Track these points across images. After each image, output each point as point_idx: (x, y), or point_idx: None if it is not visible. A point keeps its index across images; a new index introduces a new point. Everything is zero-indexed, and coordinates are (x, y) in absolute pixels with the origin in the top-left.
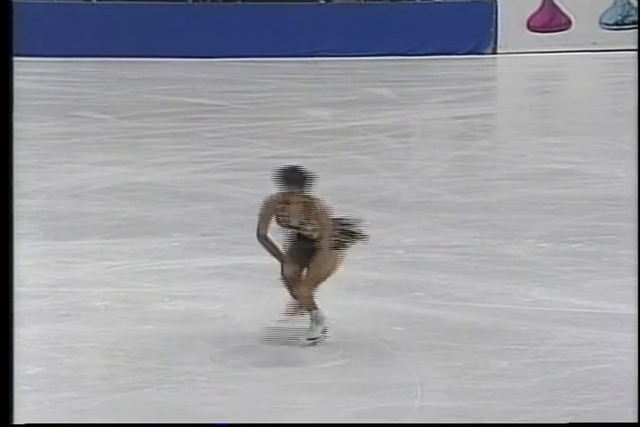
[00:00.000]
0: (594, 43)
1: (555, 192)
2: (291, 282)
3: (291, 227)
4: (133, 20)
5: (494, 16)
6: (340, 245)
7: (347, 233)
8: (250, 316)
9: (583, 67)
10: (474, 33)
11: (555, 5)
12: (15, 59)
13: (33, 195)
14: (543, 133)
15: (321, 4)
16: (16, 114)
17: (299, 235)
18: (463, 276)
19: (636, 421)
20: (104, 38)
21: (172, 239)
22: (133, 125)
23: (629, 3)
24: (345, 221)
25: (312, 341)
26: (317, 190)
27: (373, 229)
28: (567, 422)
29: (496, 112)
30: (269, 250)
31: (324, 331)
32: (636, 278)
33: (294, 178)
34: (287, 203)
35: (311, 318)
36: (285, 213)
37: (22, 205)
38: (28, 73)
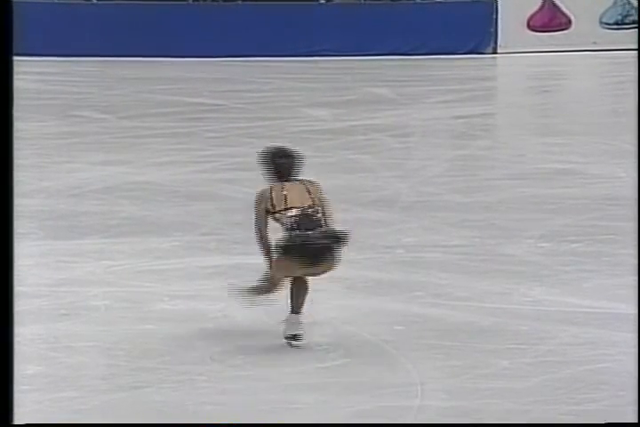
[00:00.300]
0: (594, 42)
1: (555, 192)
2: (275, 288)
3: (293, 208)
4: (133, 20)
5: (494, 16)
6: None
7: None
8: (250, 315)
9: (583, 66)
10: (474, 32)
11: (555, 5)
12: (15, 58)
13: (33, 194)
14: (543, 133)
15: (321, 4)
16: (16, 113)
17: (303, 215)
18: (463, 275)
19: (636, 421)
20: (104, 38)
21: (172, 239)
22: (133, 125)
23: (629, 2)
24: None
25: (292, 338)
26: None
27: (373, 228)
28: (567, 421)
29: (496, 112)
30: (264, 248)
31: (296, 338)
32: (637, 278)
33: (285, 165)
34: (282, 189)
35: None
36: (283, 197)
37: (22, 204)
38: (28, 72)
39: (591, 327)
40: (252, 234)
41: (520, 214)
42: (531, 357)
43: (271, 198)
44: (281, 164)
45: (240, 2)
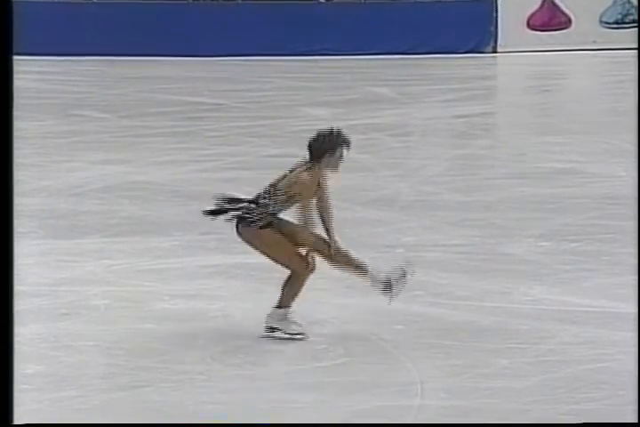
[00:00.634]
0: (594, 41)
1: (555, 191)
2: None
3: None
4: (134, 19)
5: (494, 15)
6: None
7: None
8: (250, 315)
9: (583, 65)
10: (474, 32)
11: (555, 4)
12: (15, 57)
13: (33, 193)
14: (543, 132)
15: (321, 3)
16: (16, 113)
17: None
18: (463, 274)
19: (635, 420)
20: (104, 37)
21: (172, 238)
22: (133, 124)
23: (629, 1)
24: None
25: (270, 330)
26: None
27: (373, 227)
28: (567, 421)
29: (496, 111)
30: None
31: (273, 330)
32: (636, 277)
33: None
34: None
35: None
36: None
37: (22, 203)
38: (28, 72)
39: (591, 326)
40: None
41: (520, 214)
42: (531, 356)
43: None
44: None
45: (240, 1)
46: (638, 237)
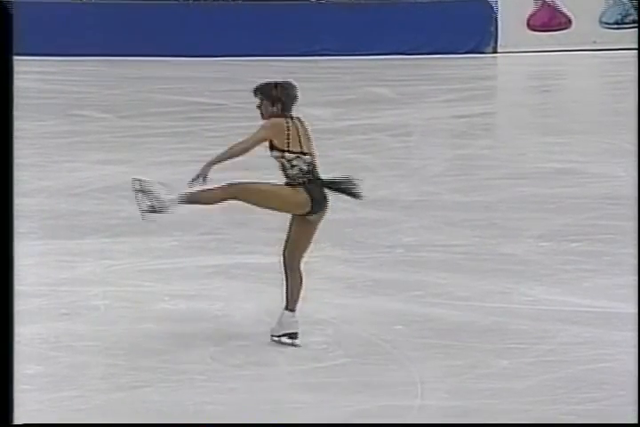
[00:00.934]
0: (594, 42)
1: (555, 191)
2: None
3: (308, 154)
4: (133, 19)
5: (494, 15)
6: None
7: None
8: (250, 315)
9: (583, 66)
10: (474, 32)
11: (555, 5)
12: (16, 58)
13: (33, 194)
14: (543, 132)
15: (321, 3)
16: (16, 113)
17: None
18: (463, 275)
19: (636, 421)
20: (104, 37)
21: (172, 238)
22: (134, 124)
23: (629, 2)
24: (339, 182)
25: (277, 338)
26: None
27: (374, 227)
28: (568, 421)
29: (496, 111)
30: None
31: (292, 337)
32: (636, 277)
33: (294, 98)
34: (296, 129)
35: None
36: (297, 138)
37: (22, 203)
38: (28, 72)
39: (591, 327)
40: (253, 233)
41: (520, 214)
42: (531, 356)
43: (288, 135)
44: (293, 95)
45: (240, 1)
46: (638, 237)
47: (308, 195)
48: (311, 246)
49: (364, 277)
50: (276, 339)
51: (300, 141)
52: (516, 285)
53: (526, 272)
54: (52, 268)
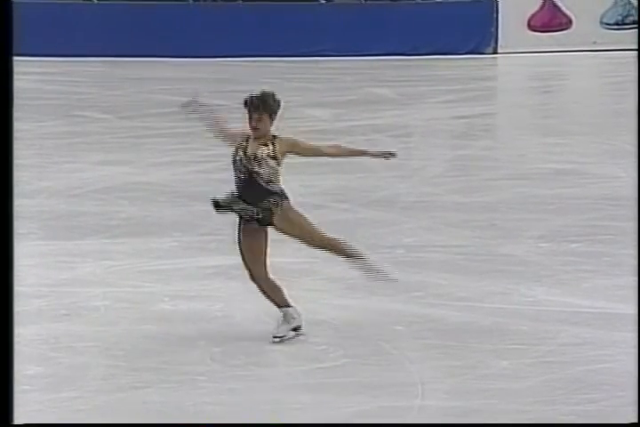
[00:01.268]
0: (594, 42)
1: (555, 192)
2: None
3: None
4: (135, 20)
5: (495, 16)
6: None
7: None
8: (250, 315)
9: (584, 66)
10: (474, 33)
11: (555, 5)
12: (16, 58)
13: (33, 194)
14: (544, 133)
15: (321, 4)
16: (16, 113)
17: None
18: (463, 275)
19: (636, 421)
20: (105, 38)
21: (172, 239)
22: (134, 125)
23: (630, 2)
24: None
25: (278, 339)
26: (318, 190)
27: (374, 228)
28: (567, 421)
29: (496, 112)
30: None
31: (296, 329)
32: (636, 278)
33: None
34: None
35: (281, 316)
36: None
37: (22, 204)
38: (29, 73)
39: (591, 328)
40: None
41: (520, 214)
42: (531, 357)
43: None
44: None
45: (241, 2)
46: (638, 238)
47: None
48: (311, 247)
49: (364, 278)
50: (278, 340)
51: None
52: (515, 285)
53: (526, 273)
54: (51, 268)
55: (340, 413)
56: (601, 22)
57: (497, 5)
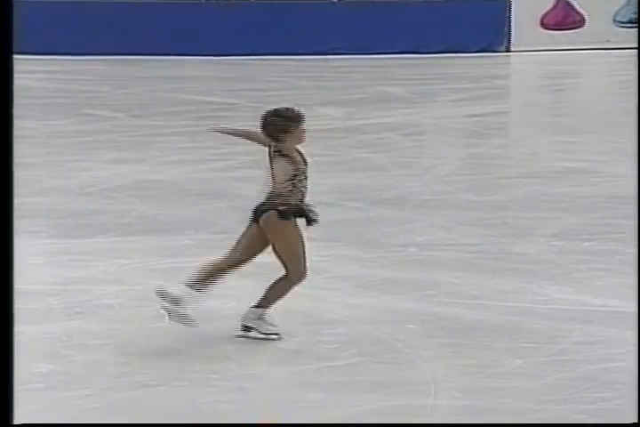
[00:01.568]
0: (607, 41)
1: (567, 190)
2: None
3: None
4: (145, 18)
5: (508, 14)
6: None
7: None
8: None
9: (597, 65)
10: (487, 31)
11: (568, 3)
12: (26, 57)
13: (45, 193)
14: (556, 131)
15: (333, 3)
16: (28, 112)
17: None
18: (476, 274)
19: (636, 421)
20: (116, 36)
21: (184, 237)
22: (145, 123)
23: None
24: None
25: (246, 329)
26: (330, 188)
27: (386, 227)
28: (580, 420)
29: (509, 110)
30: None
31: (249, 330)
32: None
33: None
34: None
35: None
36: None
37: (34, 202)
38: (39, 71)
39: (604, 326)
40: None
41: (533, 213)
42: (544, 355)
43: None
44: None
45: (253, 1)
46: (638, 238)
47: None
48: (323, 245)
49: (376, 276)
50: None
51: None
52: (528, 284)
53: (539, 271)
54: (64, 267)
55: (351, 411)
56: (614, 20)
57: (510, 3)
